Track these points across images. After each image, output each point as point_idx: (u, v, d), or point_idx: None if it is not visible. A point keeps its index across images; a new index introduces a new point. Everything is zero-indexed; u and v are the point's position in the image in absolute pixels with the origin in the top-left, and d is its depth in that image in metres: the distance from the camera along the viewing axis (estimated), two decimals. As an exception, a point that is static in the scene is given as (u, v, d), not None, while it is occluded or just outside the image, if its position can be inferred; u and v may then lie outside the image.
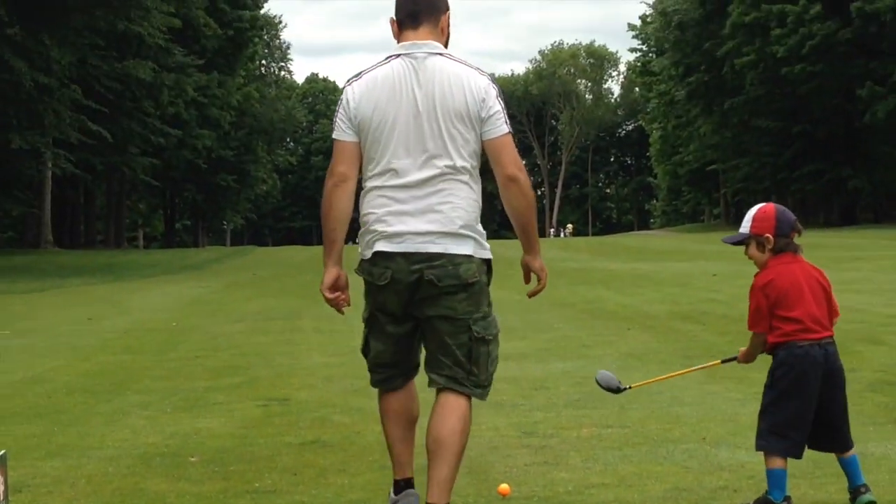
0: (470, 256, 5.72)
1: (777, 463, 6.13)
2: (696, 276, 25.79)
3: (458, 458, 5.68)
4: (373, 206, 5.79)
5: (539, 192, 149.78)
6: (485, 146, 5.78)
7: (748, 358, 6.52)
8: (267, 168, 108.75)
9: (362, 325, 6.05)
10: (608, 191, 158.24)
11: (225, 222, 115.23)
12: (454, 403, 5.72)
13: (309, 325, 18.40)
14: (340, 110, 5.87)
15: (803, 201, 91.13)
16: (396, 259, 5.69)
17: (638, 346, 13.85)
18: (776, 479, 6.11)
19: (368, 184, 5.84)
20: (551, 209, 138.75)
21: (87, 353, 15.62)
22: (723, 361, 6.97)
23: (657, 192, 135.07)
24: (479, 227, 5.85)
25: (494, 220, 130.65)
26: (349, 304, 6.10)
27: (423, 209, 5.68)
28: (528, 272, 6.06)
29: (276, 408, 9.98)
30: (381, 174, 5.77)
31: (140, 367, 13.77)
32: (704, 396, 9.53)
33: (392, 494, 6.01)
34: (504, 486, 6.66)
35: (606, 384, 6.81)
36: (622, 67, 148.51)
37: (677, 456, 7.51)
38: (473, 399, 5.85)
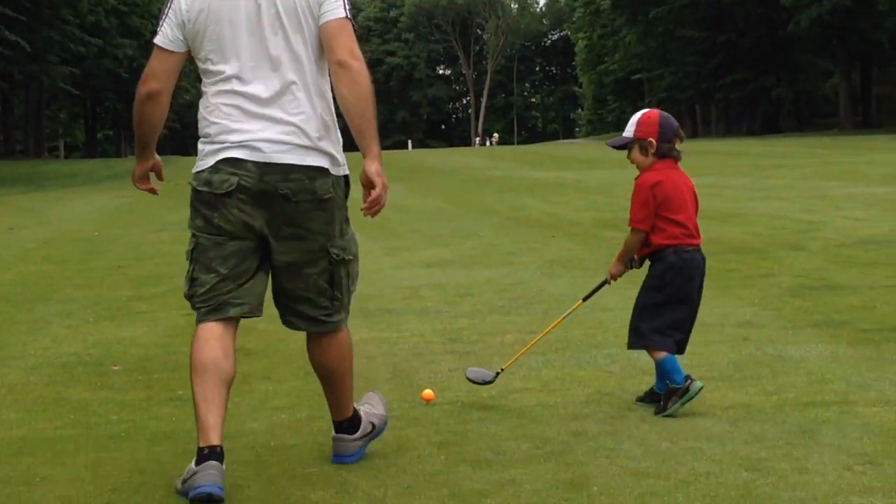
0: (325, 170, 5.01)
1: (663, 354, 6.28)
2: (619, 183, 25.90)
3: (348, 378, 5.42)
4: (218, 117, 5.02)
5: (465, 102, 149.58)
6: (319, 32, 5.02)
7: (621, 262, 6.54)
8: (190, 78, 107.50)
9: (186, 265, 5.18)
10: (533, 100, 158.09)
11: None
12: (325, 340, 5.32)
13: (233, 234, 18.26)
14: (170, 14, 5.08)
15: (727, 110, 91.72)
16: (246, 165, 4.92)
17: (562, 254, 13.92)
18: (670, 366, 6.24)
19: (211, 90, 5.09)
20: (477, 118, 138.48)
21: (8, 263, 15.46)
22: (584, 299, 6.95)
23: (582, 102, 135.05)
24: (337, 137, 5.14)
25: (420, 129, 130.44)
26: (160, 180, 5.64)
27: (275, 119, 4.96)
28: (367, 186, 5.04)
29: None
30: (224, 81, 5.03)
31: (62, 276, 13.65)
32: (627, 302, 9.59)
33: (192, 464, 4.86)
34: (428, 392, 6.69)
35: (481, 379, 6.72)
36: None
37: (600, 361, 7.58)
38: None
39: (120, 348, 8.72)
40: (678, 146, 6.51)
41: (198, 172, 5.04)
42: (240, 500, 4.90)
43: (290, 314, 5.28)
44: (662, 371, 6.26)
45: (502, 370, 6.76)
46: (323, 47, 5.04)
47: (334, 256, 5.14)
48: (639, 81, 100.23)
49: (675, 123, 6.51)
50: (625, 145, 6.49)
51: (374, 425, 5.60)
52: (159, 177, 5.54)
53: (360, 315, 9.72)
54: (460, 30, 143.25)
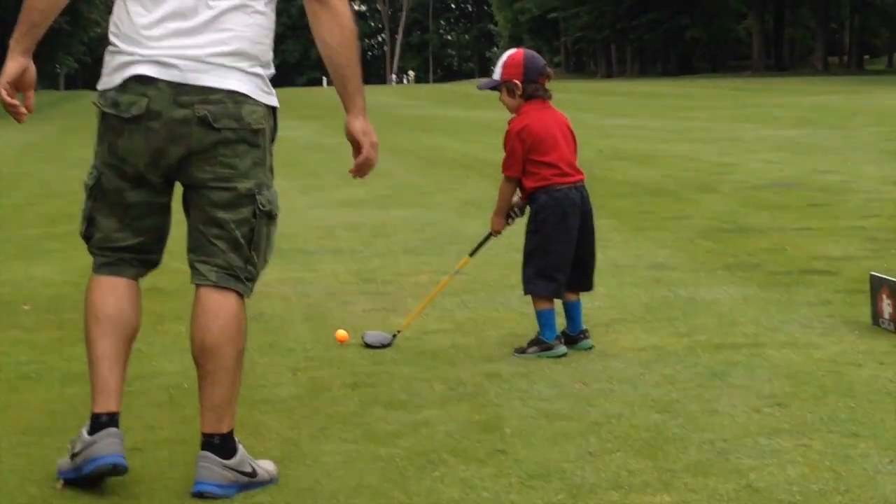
0: (250, 97, 4.18)
1: (546, 304, 6.36)
2: (535, 124, 25.96)
3: (234, 373, 4.30)
4: (128, 21, 4.19)
5: (380, 39, 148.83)
6: None
7: (501, 213, 6.59)
8: (100, 10, 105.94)
9: (82, 196, 4.47)
10: (449, 38, 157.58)
11: (58, 66, 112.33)
12: (222, 302, 4.27)
13: (145, 171, 18.10)
14: None
15: (641, 50, 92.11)
16: (158, 85, 4.09)
17: (477, 194, 13.95)
18: (546, 320, 6.33)
19: None
20: (392, 56, 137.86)
21: (-86, 199, 15.20)
22: (471, 254, 6.97)
23: (498, 40, 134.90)
24: (270, 62, 4.33)
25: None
26: (30, 112, 4.47)
27: (199, 28, 4.13)
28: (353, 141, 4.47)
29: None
30: None
31: (-31, 214, 13.45)
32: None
33: (84, 433, 4.27)
34: (342, 333, 6.69)
35: (379, 342, 6.60)
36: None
37: (514, 302, 7.60)
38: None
39: (30, 287, 8.62)
40: (548, 85, 6.49)
41: (104, 91, 4.26)
42: (153, 442, 4.88)
43: (200, 259, 4.32)
44: (539, 322, 6.35)
45: (399, 332, 6.71)
46: None
47: (260, 206, 4.26)
48: (554, 20, 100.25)
49: (542, 63, 6.47)
50: (495, 87, 6.50)
51: (254, 471, 4.33)
52: (26, 89, 4.40)
53: (274, 255, 9.68)
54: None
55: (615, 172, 15.78)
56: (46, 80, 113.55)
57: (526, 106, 6.42)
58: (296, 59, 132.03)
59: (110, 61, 4.26)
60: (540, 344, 6.31)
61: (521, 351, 6.33)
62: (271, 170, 4.37)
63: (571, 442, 4.78)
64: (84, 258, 10.02)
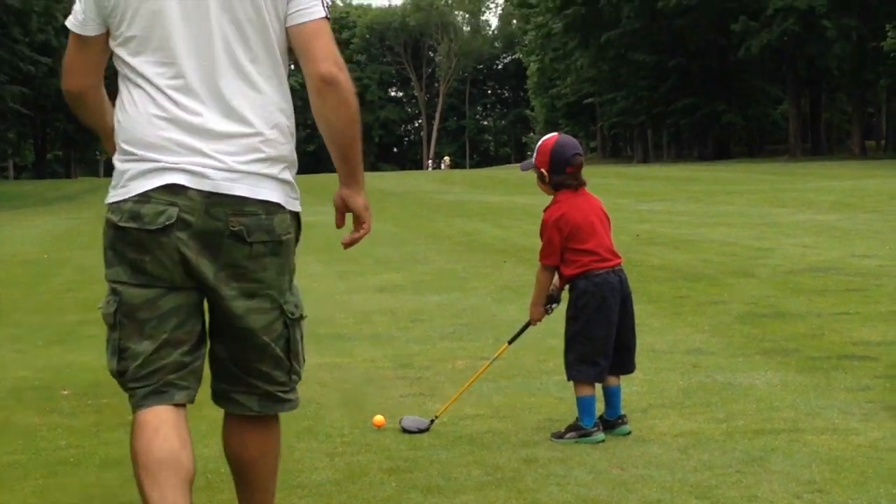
0: (281, 206, 3.91)
1: (587, 390, 6.36)
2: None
3: (273, 479, 4.20)
4: (149, 129, 3.80)
5: (416, 125, 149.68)
6: (290, 35, 3.93)
7: (539, 303, 6.60)
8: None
9: (105, 332, 3.99)
10: (486, 123, 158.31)
11: (98, 153, 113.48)
12: (256, 426, 4.10)
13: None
14: None
15: (678, 135, 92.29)
16: (189, 194, 3.74)
17: (514, 279, 13.97)
18: (587, 406, 6.32)
19: (131, 88, 3.89)
20: (429, 141, 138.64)
21: (-45, 285, 15.32)
22: (510, 341, 6.98)
23: (534, 125, 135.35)
24: (294, 167, 4.04)
25: (372, 151, 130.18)
26: None
27: (222, 135, 3.80)
28: (344, 212, 4.15)
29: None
30: (154, 76, 3.83)
31: (10, 300, 13.56)
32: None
33: None
34: (379, 418, 6.70)
35: (416, 427, 6.62)
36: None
37: (550, 387, 7.60)
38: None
39: (69, 373, 8.67)
40: (584, 170, 6.54)
41: (118, 203, 3.84)
42: (190, 528, 4.89)
43: (239, 390, 4.04)
44: (579, 407, 6.35)
45: (437, 417, 6.73)
46: (295, 51, 3.99)
47: (289, 315, 4.01)
48: (590, 105, 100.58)
49: (570, 153, 6.45)
50: (532, 168, 6.56)
51: None
52: None
53: (311, 340, 9.70)
54: (412, 52, 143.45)
55: (652, 257, 15.78)
56: (87, 167, 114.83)
57: (561, 194, 6.45)
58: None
59: (124, 166, 3.86)
60: (578, 430, 6.30)
61: (559, 436, 6.32)
62: (293, 271, 4.09)
63: (609, 528, 4.76)
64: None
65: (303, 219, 4.14)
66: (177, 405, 3.86)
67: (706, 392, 7.37)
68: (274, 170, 3.88)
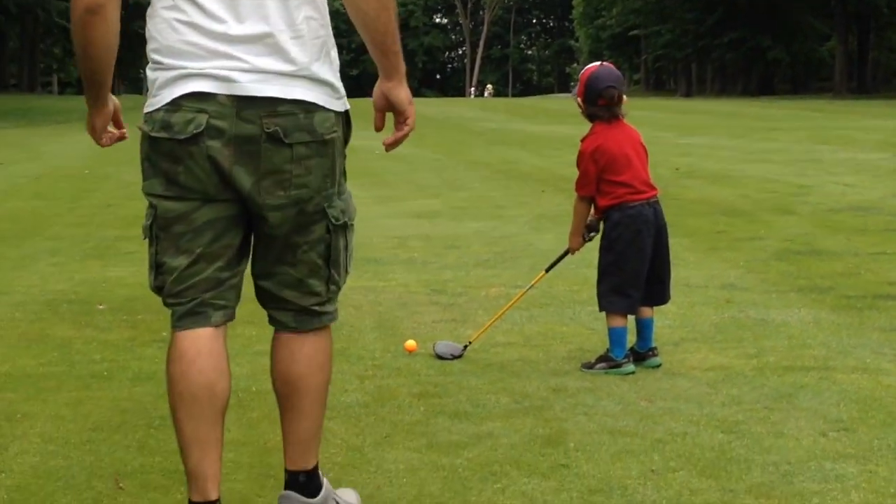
0: (325, 107, 3.65)
1: (618, 321, 6.36)
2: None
3: (322, 404, 3.93)
4: (174, 36, 3.60)
5: (460, 52, 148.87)
6: None
7: (578, 232, 6.59)
8: None
9: (146, 247, 3.83)
10: (530, 52, 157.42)
11: (142, 71, 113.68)
12: (306, 339, 3.89)
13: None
14: None
15: (723, 69, 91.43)
16: (218, 100, 3.53)
17: (551, 208, 13.95)
18: (618, 337, 6.33)
19: (161, 4, 3.68)
20: (472, 69, 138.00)
21: (-3, 197, 15.44)
22: (547, 269, 6.98)
23: (578, 56, 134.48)
24: (334, 62, 3.76)
25: (416, 77, 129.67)
26: (125, 139, 4.18)
27: (254, 35, 3.55)
28: (384, 110, 3.87)
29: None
30: None
31: (51, 213, 13.66)
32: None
33: None
34: (411, 343, 6.72)
35: (449, 353, 6.61)
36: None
37: (583, 317, 7.60)
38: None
39: (106, 288, 8.73)
40: (626, 101, 6.49)
41: (150, 112, 3.65)
42: (219, 444, 4.93)
43: (272, 305, 3.90)
44: (610, 338, 6.35)
45: (470, 343, 6.73)
46: None
47: (333, 220, 3.79)
48: (635, 38, 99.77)
49: (602, 85, 6.34)
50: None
51: None
52: (118, 125, 4.10)
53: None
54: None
55: (690, 191, 15.70)
56: (131, 84, 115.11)
57: (597, 125, 6.42)
58: (375, 70, 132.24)
59: (156, 77, 3.67)
60: (608, 360, 6.30)
61: (589, 366, 6.33)
62: (344, 174, 3.86)
63: (634, 459, 4.77)
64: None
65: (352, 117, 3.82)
66: (215, 326, 3.73)
67: (738, 328, 7.35)
68: (308, 69, 3.61)
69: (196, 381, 3.65)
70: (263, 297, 3.90)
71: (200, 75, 3.54)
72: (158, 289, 3.76)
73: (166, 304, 3.76)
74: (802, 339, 6.99)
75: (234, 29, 3.54)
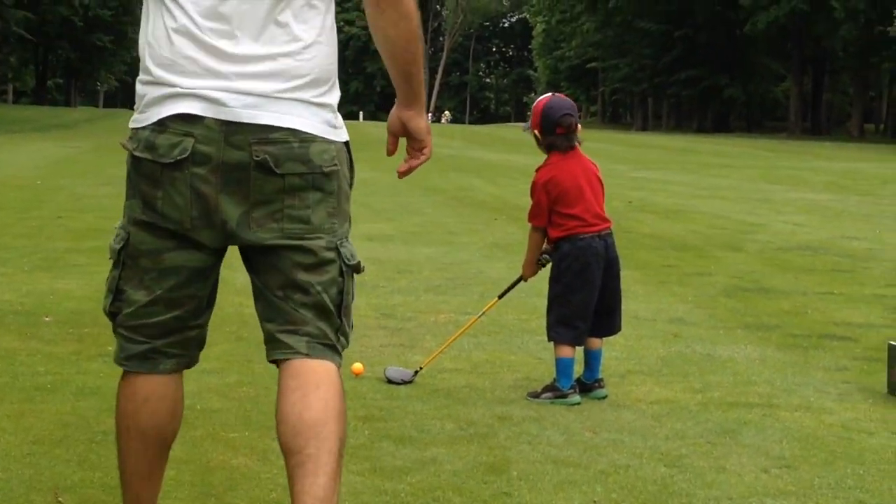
0: (323, 137, 3.37)
1: (566, 352, 6.36)
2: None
3: (340, 459, 3.31)
4: (168, 47, 3.32)
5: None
6: None
7: (532, 262, 6.60)
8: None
9: (108, 261, 3.57)
10: (488, 80, 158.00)
11: (99, 83, 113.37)
12: (321, 371, 3.35)
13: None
14: None
15: (678, 106, 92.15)
16: (206, 123, 3.25)
17: (504, 237, 13.98)
18: (565, 367, 6.33)
19: (159, 10, 3.37)
20: (430, 95, 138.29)
21: (-53, 205, 15.31)
22: (500, 296, 6.99)
23: (536, 86, 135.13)
24: (337, 90, 3.50)
25: (373, 101, 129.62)
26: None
27: (253, 56, 3.29)
28: (399, 136, 3.68)
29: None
30: None
31: (0, 223, 13.54)
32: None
33: None
34: (357, 366, 6.69)
35: (399, 378, 6.58)
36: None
37: (531, 346, 7.61)
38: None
39: (53, 300, 8.67)
40: (582, 133, 6.54)
41: (136, 129, 3.37)
42: (161, 461, 4.89)
43: (285, 329, 3.39)
44: (557, 368, 6.36)
45: (421, 369, 6.70)
46: None
47: (347, 260, 3.43)
48: (593, 70, 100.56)
49: (559, 114, 6.38)
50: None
51: None
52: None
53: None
54: (420, 3, 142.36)
55: (642, 225, 15.78)
56: (87, 97, 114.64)
57: (552, 156, 6.44)
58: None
59: (144, 91, 3.39)
60: (554, 391, 6.31)
61: (535, 395, 6.33)
62: (349, 218, 3.54)
63: (577, 490, 4.77)
64: (106, 274, 10.08)
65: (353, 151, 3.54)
66: (164, 374, 3.50)
67: (685, 362, 7.38)
68: (308, 93, 3.35)
69: (146, 421, 3.49)
70: (272, 312, 3.42)
71: (190, 95, 3.27)
72: (113, 315, 3.51)
73: (116, 333, 3.53)
74: (748, 376, 7.03)
75: (233, 46, 3.28)
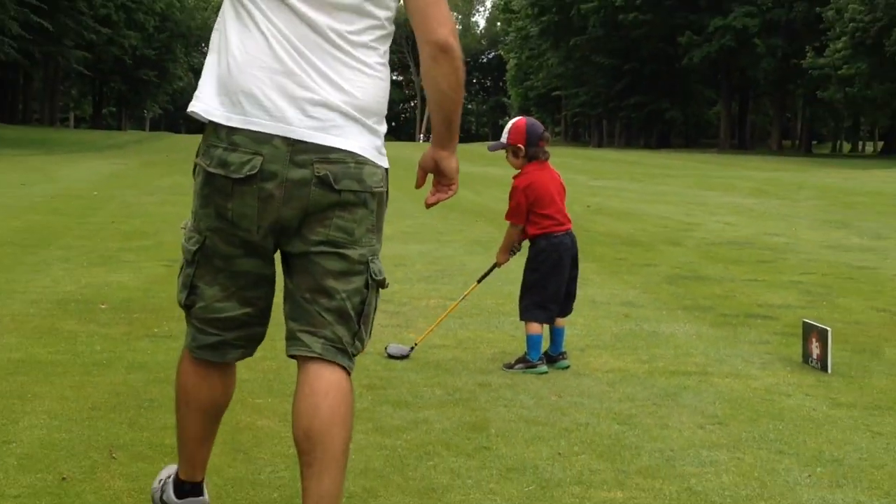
0: (374, 162, 3.20)
1: (535, 329, 6.36)
2: (535, 181, 25.92)
3: (343, 460, 3.20)
4: (236, 67, 3.11)
5: (412, 104, 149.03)
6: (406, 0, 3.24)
7: (505, 251, 6.62)
8: (184, 67, 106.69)
9: (181, 260, 3.38)
10: (469, 106, 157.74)
11: (146, 111, 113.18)
12: (331, 379, 3.19)
13: (210, 201, 18.13)
14: None
15: (628, 126, 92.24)
16: (274, 143, 3.07)
17: (483, 235, 13.95)
18: (535, 343, 6.33)
19: (230, 15, 3.18)
20: (422, 118, 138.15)
21: (18, 212, 15.25)
22: (479, 281, 7.01)
23: (510, 111, 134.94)
24: (384, 121, 3.30)
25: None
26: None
27: (323, 76, 3.09)
28: (429, 172, 3.50)
29: (177, 268, 9.84)
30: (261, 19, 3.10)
31: (63, 227, 13.49)
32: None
33: (172, 495, 3.64)
34: (362, 344, 6.67)
35: (399, 353, 6.55)
36: (488, 4, 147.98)
37: (506, 326, 7.60)
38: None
39: (107, 290, 8.63)
40: (548, 148, 6.59)
41: (209, 147, 3.18)
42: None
43: (304, 329, 3.21)
44: (528, 344, 6.35)
45: (416, 344, 6.68)
46: (410, 17, 3.26)
47: (374, 275, 3.24)
48: (557, 97, 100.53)
49: (541, 129, 6.53)
50: (503, 148, 6.56)
51: None
52: None
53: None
54: (411, 44, 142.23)
55: (598, 225, 15.76)
56: (135, 122, 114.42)
57: (528, 166, 6.45)
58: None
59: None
60: (526, 362, 6.30)
61: (509, 366, 6.32)
62: (381, 237, 3.36)
63: (545, 444, 4.77)
64: (152, 269, 10.04)
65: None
66: (230, 362, 3.42)
67: (634, 337, 7.37)
68: (365, 121, 3.17)
69: (206, 397, 3.41)
70: (297, 312, 3.22)
71: (260, 116, 3.07)
72: (187, 307, 3.33)
73: (189, 323, 3.35)
74: (686, 349, 7.02)
75: (300, 68, 3.08)
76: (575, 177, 29.51)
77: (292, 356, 3.24)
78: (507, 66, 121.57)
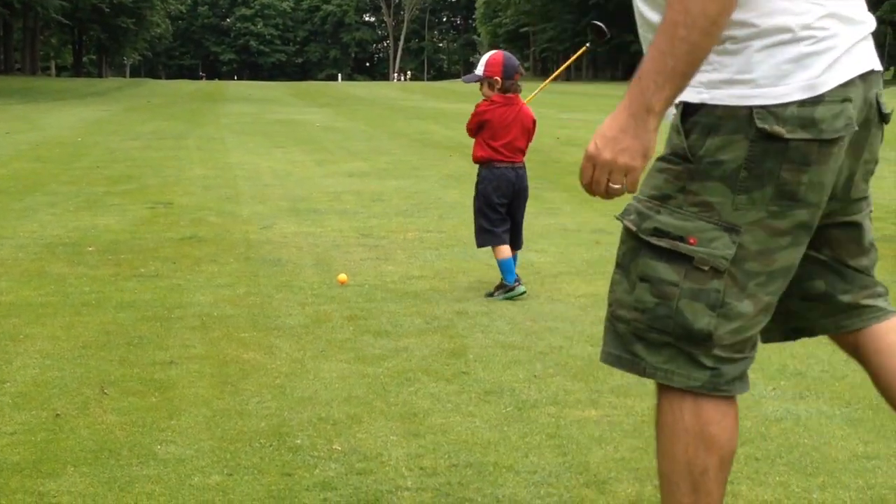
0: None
1: (503, 253, 6.37)
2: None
3: None
4: None
5: (385, 44, 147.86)
6: None
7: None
8: (161, 14, 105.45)
9: (695, 279, 2.24)
10: (441, 45, 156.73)
11: (125, 58, 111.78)
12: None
13: (192, 143, 18.00)
14: None
15: (595, 60, 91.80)
16: (856, 85, 2.20)
17: (456, 170, 13.89)
18: (507, 266, 6.35)
19: None
20: (395, 58, 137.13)
21: (4, 160, 15.08)
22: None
23: (480, 48, 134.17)
24: None
25: (348, 65, 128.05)
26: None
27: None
28: None
29: (161, 210, 9.79)
30: None
31: (49, 173, 13.37)
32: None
33: None
34: (342, 276, 6.68)
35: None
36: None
37: (481, 256, 7.58)
38: None
39: (94, 233, 8.58)
40: (520, 81, 6.56)
41: (769, 106, 2.14)
42: (187, 357, 4.88)
43: (868, 294, 2.49)
44: (500, 268, 6.37)
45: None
46: None
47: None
48: (526, 34, 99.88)
49: (517, 62, 6.53)
50: (478, 81, 6.52)
51: None
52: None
53: (291, 213, 9.67)
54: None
55: (568, 156, 15.69)
56: (115, 70, 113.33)
57: (496, 97, 6.42)
58: (317, 58, 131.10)
59: (782, 50, 2.15)
60: (504, 288, 6.31)
61: (490, 295, 6.32)
62: None
63: (521, 367, 4.79)
64: (137, 211, 9.98)
65: None
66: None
67: (605, 263, 7.38)
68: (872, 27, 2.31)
69: (734, 443, 2.32)
70: (840, 307, 2.50)
71: (842, 50, 2.19)
72: (707, 335, 2.24)
73: (707, 356, 2.26)
74: (655, 272, 7.03)
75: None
76: (545, 111, 29.40)
77: (860, 327, 2.52)
78: (476, 4, 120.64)
